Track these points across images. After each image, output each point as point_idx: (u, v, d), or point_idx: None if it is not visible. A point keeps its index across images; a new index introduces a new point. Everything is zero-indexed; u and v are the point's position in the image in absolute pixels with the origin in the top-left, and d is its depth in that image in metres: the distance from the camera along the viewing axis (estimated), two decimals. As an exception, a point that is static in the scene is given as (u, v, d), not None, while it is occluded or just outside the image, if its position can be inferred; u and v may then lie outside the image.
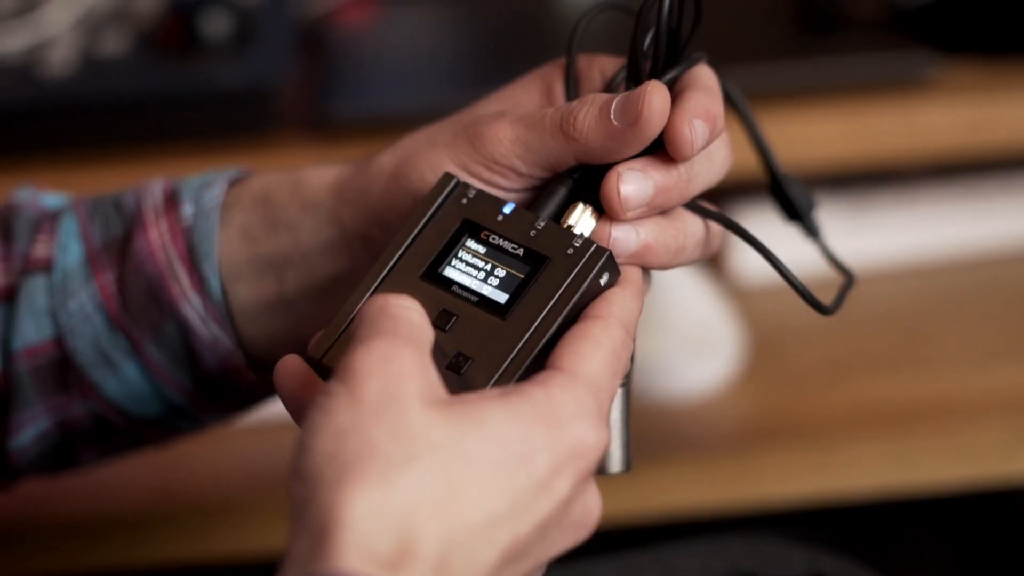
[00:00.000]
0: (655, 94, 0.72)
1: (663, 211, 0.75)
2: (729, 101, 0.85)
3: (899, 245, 1.51)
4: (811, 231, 0.88)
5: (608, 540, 1.23)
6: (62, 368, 0.87)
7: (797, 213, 0.88)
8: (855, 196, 1.50)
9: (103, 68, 1.31)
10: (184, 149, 1.28)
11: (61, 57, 1.33)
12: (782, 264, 0.77)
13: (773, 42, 1.41)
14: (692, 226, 0.76)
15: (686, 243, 0.76)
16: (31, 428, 0.87)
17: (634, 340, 0.75)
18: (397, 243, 0.74)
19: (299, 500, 0.61)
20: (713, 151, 0.76)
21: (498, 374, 0.69)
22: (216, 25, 1.32)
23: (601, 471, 0.75)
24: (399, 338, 0.64)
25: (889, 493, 1.28)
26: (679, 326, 1.33)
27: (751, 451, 1.27)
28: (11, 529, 1.22)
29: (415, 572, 0.60)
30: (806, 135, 1.33)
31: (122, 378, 0.86)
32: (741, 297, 1.42)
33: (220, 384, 0.86)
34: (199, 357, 0.85)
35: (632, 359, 0.76)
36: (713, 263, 1.45)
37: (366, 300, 0.72)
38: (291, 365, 0.70)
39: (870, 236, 1.50)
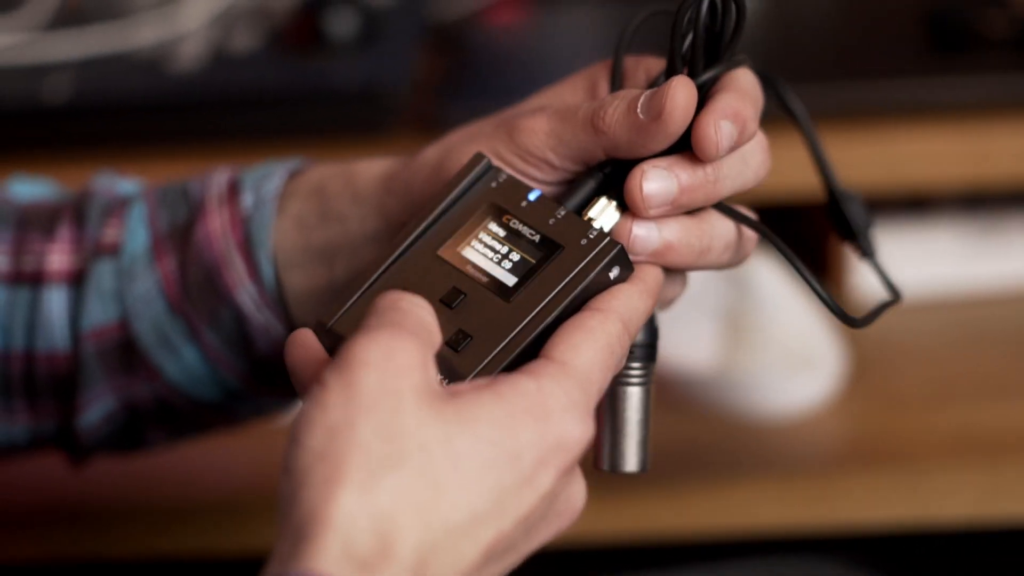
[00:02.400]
0: (679, 89, 0.71)
1: (689, 211, 0.74)
2: (791, 115, 0.84)
3: (1019, 270, 1.47)
4: (866, 251, 0.86)
5: (688, 554, 1.23)
6: (127, 350, 0.89)
7: (852, 232, 0.86)
8: (979, 218, 1.47)
9: (231, 64, 1.35)
10: (302, 145, 1.29)
11: (192, 52, 1.36)
12: (809, 274, 0.76)
13: (902, 59, 1.38)
14: (720, 228, 0.75)
15: (712, 245, 0.75)
16: (98, 407, 0.90)
17: (655, 338, 0.76)
18: (421, 217, 0.75)
19: (286, 497, 0.62)
20: (747, 154, 0.75)
21: (490, 357, 0.69)
22: (343, 24, 1.35)
23: (614, 470, 0.75)
24: (404, 331, 0.65)
25: (979, 524, 1.25)
26: (780, 341, 1.32)
27: (842, 473, 1.25)
28: (83, 510, 1.25)
29: (393, 572, 0.60)
30: (931, 153, 1.31)
31: (182, 361, 0.88)
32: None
33: (274, 369, 0.88)
34: (253, 342, 0.87)
35: (654, 358, 0.76)
36: (827, 278, 1.43)
37: (386, 269, 0.73)
38: (301, 338, 0.71)
39: (991, 259, 1.47)
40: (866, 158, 1.31)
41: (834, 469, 1.26)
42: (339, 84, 1.31)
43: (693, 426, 1.32)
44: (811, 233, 1.45)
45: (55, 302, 0.89)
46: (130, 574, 1.28)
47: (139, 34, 1.39)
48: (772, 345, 1.32)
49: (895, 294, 0.84)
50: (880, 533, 1.24)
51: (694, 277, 0.81)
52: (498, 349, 0.69)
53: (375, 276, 0.74)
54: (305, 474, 0.61)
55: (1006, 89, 1.32)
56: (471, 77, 1.40)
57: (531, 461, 0.64)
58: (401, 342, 0.64)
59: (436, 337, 0.67)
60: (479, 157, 0.75)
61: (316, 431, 0.62)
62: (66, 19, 1.41)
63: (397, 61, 1.34)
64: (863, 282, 1.43)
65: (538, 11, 1.51)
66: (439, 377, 0.66)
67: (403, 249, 0.74)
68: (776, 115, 0.82)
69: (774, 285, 1.36)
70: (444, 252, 0.73)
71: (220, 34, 1.39)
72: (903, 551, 1.25)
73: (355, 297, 0.73)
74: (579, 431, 0.66)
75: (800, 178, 1.09)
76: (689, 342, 1.32)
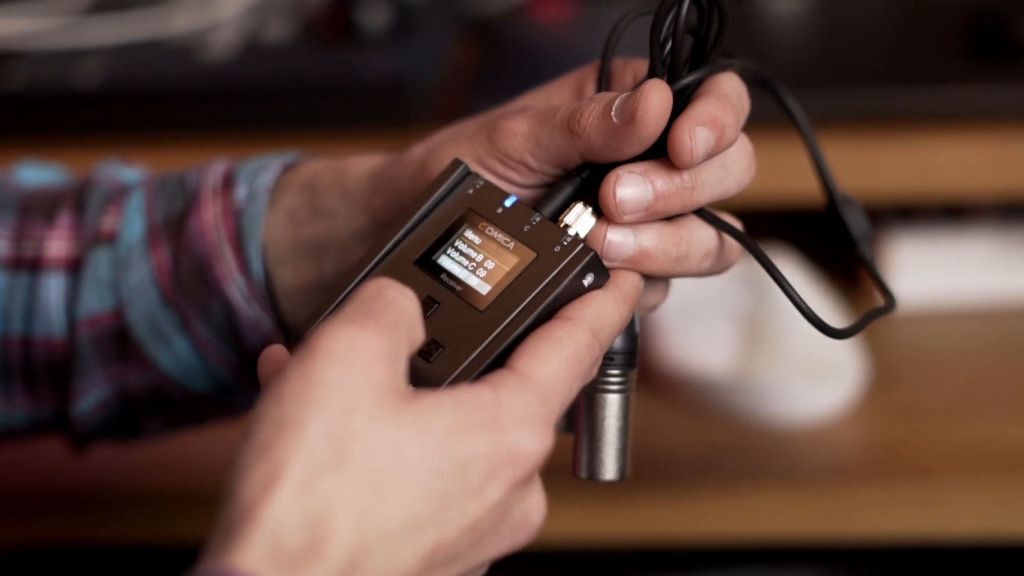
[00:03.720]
0: (652, 93, 0.70)
1: (668, 217, 0.73)
2: (790, 118, 0.83)
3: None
4: (863, 256, 0.85)
5: (698, 559, 1.22)
6: (121, 339, 0.89)
7: (851, 237, 0.85)
8: (1014, 229, 1.45)
9: (263, 53, 1.35)
10: (330, 136, 1.30)
11: (225, 41, 1.37)
12: (788, 284, 0.74)
13: (942, 66, 1.37)
14: (699, 235, 0.74)
15: (690, 252, 0.74)
16: (92, 395, 0.90)
17: (635, 344, 0.75)
18: (398, 225, 0.74)
19: (226, 490, 0.62)
20: (729, 160, 0.74)
21: (460, 368, 0.68)
22: (375, 16, 1.35)
23: (592, 477, 0.74)
24: (376, 323, 0.64)
25: (992, 540, 1.23)
26: (799, 348, 1.30)
27: (855, 483, 1.23)
28: (85, 496, 1.25)
29: (320, 572, 0.60)
30: (968, 161, 1.30)
31: (174, 352, 0.88)
32: (875, 323, 1.37)
33: (264, 363, 0.88)
34: (242, 336, 0.86)
35: (634, 364, 0.75)
36: (860, 283, 1.42)
37: (362, 279, 0.72)
38: (273, 354, 0.70)
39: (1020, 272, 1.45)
40: (902, 164, 1.30)
41: (848, 479, 1.24)
42: (368, 76, 1.31)
43: (708, 430, 1.31)
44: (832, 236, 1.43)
45: (53, 289, 0.89)
46: (132, 560, 1.28)
47: (174, 21, 1.39)
48: (791, 352, 1.31)
49: (890, 302, 0.83)
50: (892, 546, 1.23)
51: (713, 281, 0.80)
52: (469, 360, 0.68)
53: (352, 285, 0.73)
54: (245, 470, 0.61)
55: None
56: (505, 72, 1.39)
57: (480, 472, 0.63)
58: (369, 335, 0.63)
59: (417, 332, 0.66)
60: (456, 163, 0.75)
61: (266, 423, 0.62)
62: (103, 5, 1.42)
63: (427, 55, 1.34)
64: (905, 282, 1.41)
65: (583, 8, 1.50)
66: (406, 374, 0.65)
67: (380, 257, 0.74)
68: (787, 117, 0.82)
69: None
70: (419, 261, 0.73)
71: (254, 24, 1.39)
72: (914, 564, 1.24)
73: (332, 306, 0.73)
74: (534, 445, 0.65)
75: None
76: (707, 346, 1.31)
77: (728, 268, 0.78)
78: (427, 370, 0.69)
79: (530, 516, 0.66)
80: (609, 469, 0.74)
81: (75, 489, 1.25)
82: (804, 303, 0.75)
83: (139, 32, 1.38)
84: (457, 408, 0.64)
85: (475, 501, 0.63)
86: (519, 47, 1.45)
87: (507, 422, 0.64)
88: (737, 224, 0.76)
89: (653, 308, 0.78)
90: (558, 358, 0.67)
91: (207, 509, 1.24)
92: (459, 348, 0.69)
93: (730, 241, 0.76)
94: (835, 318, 1.34)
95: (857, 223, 0.85)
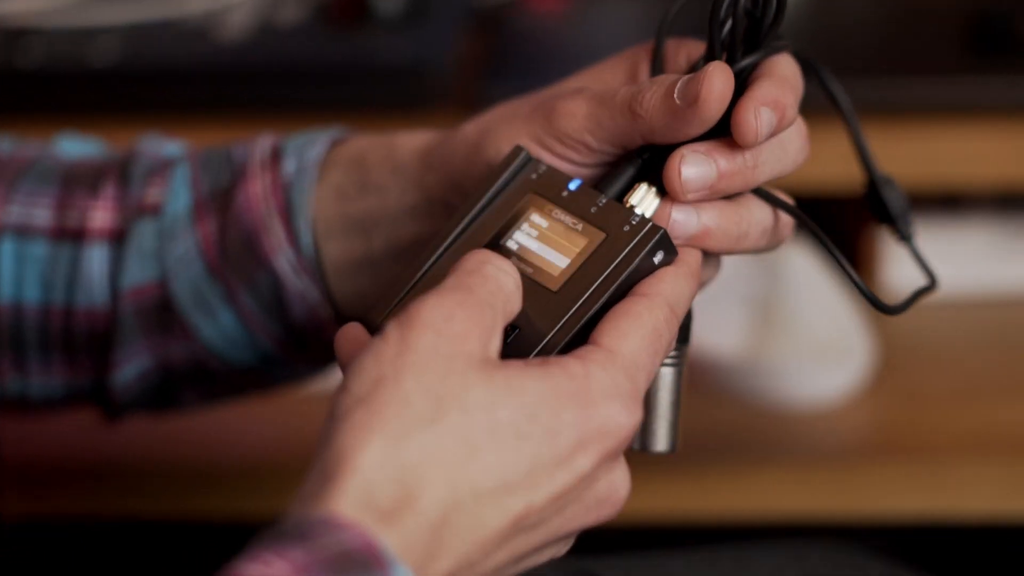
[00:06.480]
0: (715, 75, 0.71)
1: (727, 196, 0.75)
2: (832, 101, 0.84)
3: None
4: (903, 235, 0.86)
5: (710, 536, 1.23)
6: (164, 310, 0.90)
7: (890, 216, 0.86)
8: (1013, 219, 1.47)
9: (276, 35, 1.36)
10: (343, 119, 1.29)
11: (239, 22, 1.37)
12: (844, 260, 0.76)
13: (942, 57, 1.38)
14: (758, 214, 0.76)
15: (749, 230, 0.75)
16: (133, 365, 0.91)
17: (689, 320, 0.76)
18: (463, 212, 0.75)
19: (322, 437, 0.63)
20: (786, 140, 0.75)
21: (540, 345, 0.69)
22: (389, 1, 1.35)
23: (644, 448, 0.75)
24: (474, 297, 0.65)
25: (998, 520, 1.25)
26: (810, 330, 1.32)
27: (864, 463, 1.25)
28: (115, 469, 1.26)
29: (411, 525, 0.61)
30: (967, 152, 1.31)
31: (218, 324, 0.89)
32: (874, 313, 1.39)
33: (309, 336, 0.89)
34: (289, 308, 0.88)
35: (687, 340, 0.76)
36: (862, 271, 1.44)
37: (431, 267, 0.73)
38: (352, 333, 0.71)
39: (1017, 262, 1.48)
40: (902, 155, 1.31)
41: (857, 460, 1.26)
42: (382, 60, 1.32)
43: (719, 411, 1.32)
44: (843, 225, 1.45)
45: (96, 259, 0.90)
46: (158, 533, 1.29)
47: (188, 2, 1.40)
48: (801, 334, 1.32)
49: (932, 281, 0.84)
50: (900, 524, 1.24)
51: (725, 263, 0.82)
52: (547, 339, 0.69)
53: (422, 271, 0.74)
54: (343, 418, 0.62)
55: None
56: (513, 60, 1.40)
57: (570, 441, 0.64)
58: (466, 309, 0.65)
59: (513, 306, 0.67)
60: (518, 150, 0.76)
61: (364, 378, 0.63)
62: (118, -16, 1.42)
63: (441, 40, 1.35)
64: (895, 275, 1.43)
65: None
66: (499, 348, 0.66)
67: (448, 243, 0.74)
68: (810, 106, 0.83)
69: (806, 274, 1.36)
70: (488, 245, 0.73)
71: (268, 5, 1.40)
72: (922, 542, 1.25)
73: (403, 293, 0.73)
74: (623, 418, 0.66)
75: (833, 170, 1.10)
76: (719, 328, 1.33)
77: (781, 245, 0.79)
78: (504, 350, 0.69)
79: (616, 490, 0.67)
80: (661, 441, 0.76)
81: (104, 462, 1.26)
82: (859, 279, 0.77)
83: (154, 12, 1.38)
84: (547, 376, 0.65)
85: (564, 469, 0.64)
86: (523, 37, 1.46)
87: (597, 395, 0.65)
88: (791, 202, 0.77)
89: (706, 284, 0.80)
90: (641, 334, 0.68)
91: (233, 485, 1.26)
92: (535, 329, 0.70)
93: (784, 218, 0.77)
94: (842, 299, 1.36)
95: (897, 202, 0.86)
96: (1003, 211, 1.48)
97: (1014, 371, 1.37)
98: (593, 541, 1.17)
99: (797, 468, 1.25)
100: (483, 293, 0.66)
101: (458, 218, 0.75)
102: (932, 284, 0.84)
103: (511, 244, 0.73)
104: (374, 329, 0.72)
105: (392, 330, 0.64)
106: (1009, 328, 1.40)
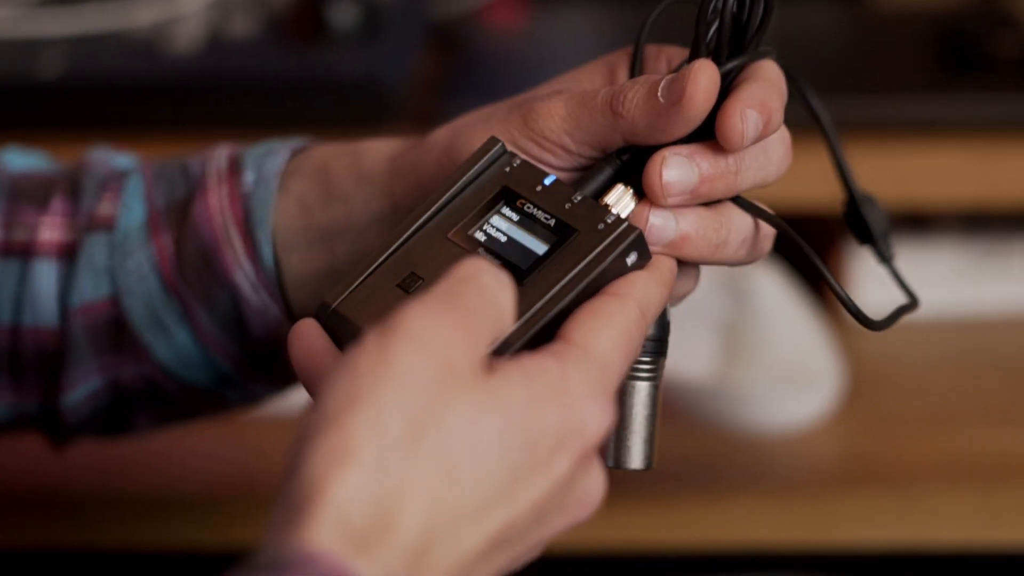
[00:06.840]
0: (701, 72, 0.69)
1: (707, 203, 0.73)
2: (813, 116, 0.83)
3: (1020, 293, 1.47)
4: (883, 256, 0.85)
5: (680, 567, 1.21)
6: (116, 328, 0.86)
7: (871, 236, 0.85)
8: (980, 240, 1.46)
9: (227, 48, 1.34)
10: (297, 135, 1.28)
11: (189, 35, 1.35)
12: (830, 276, 0.75)
13: (910, 76, 1.38)
14: (738, 222, 0.73)
15: (728, 239, 0.73)
16: (83, 387, 0.87)
17: (667, 333, 0.74)
18: (433, 200, 0.73)
19: (293, 459, 0.60)
20: (770, 147, 0.73)
21: (501, 340, 0.66)
22: (344, 16, 1.34)
23: (618, 465, 0.73)
24: (465, 306, 0.63)
25: (973, 549, 1.24)
26: (778, 356, 1.31)
27: (836, 491, 1.24)
28: (62, 498, 1.23)
29: (389, 555, 0.58)
30: (936, 171, 1.31)
31: (173, 343, 0.86)
32: (849, 332, 1.39)
33: (268, 354, 0.85)
34: (248, 325, 0.84)
35: (664, 353, 0.74)
36: (829, 294, 1.42)
37: (393, 252, 0.71)
38: (304, 329, 0.69)
39: (991, 282, 1.46)
40: (870, 173, 1.29)
41: (828, 487, 1.25)
42: (338, 75, 1.30)
43: (687, 438, 1.31)
44: (815, 245, 1.44)
45: (44, 276, 0.87)
46: (110, 565, 1.26)
47: (136, 13, 1.37)
48: (770, 360, 1.31)
49: (912, 299, 0.83)
50: (873, 554, 1.23)
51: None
52: (511, 331, 0.67)
53: (383, 257, 0.72)
54: (314, 440, 0.59)
55: (1014, 110, 1.31)
56: (470, 75, 1.39)
57: (549, 445, 0.62)
58: (454, 318, 0.62)
59: (506, 318, 0.64)
60: (493, 141, 0.73)
61: (337, 396, 0.60)
62: (63, -6, 1.40)
63: (398, 55, 1.33)
64: (868, 296, 1.42)
65: (536, 11, 1.51)
66: (486, 360, 0.63)
67: (412, 231, 0.72)
68: (785, 122, 0.81)
69: (774, 299, 1.35)
70: (455, 235, 0.72)
71: (218, 18, 1.38)
72: (895, 572, 1.24)
73: (361, 279, 0.71)
74: (600, 417, 0.64)
75: (808, 190, 1.08)
76: (686, 353, 1.32)
77: (761, 258, 0.77)
78: None
79: (592, 491, 0.65)
80: (636, 458, 0.73)
81: (49, 490, 1.23)
82: (845, 293, 0.75)
83: (100, 23, 1.35)
84: (526, 379, 0.63)
85: (543, 474, 0.62)
86: (479, 51, 1.45)
87: (576, 395, 0.64)
88: (772, 213, 0.75)
89: (683, 297, 0.78)
90: (611, 333, 0.66)
91: (185, 514, 1.23)
92: None
93: (765, 229, 0.75)
94: (811, 323, 1.35)
95: (878, 222, 0.85)
96: (969, 232, 1.47)
97: (984, 395, 1.36)
98: (560, 573, 1.14)
99: (766, 496, 1.24)
100: (475, 303, 0.63)
101: (427, 205, 0.73)
102: (914, 303, 0.83)
103: (479, 235, 0.71)
104: (327, 312, 0.70)
105: (370, 339, 0.61)
106: (978, 351, 1.40)
